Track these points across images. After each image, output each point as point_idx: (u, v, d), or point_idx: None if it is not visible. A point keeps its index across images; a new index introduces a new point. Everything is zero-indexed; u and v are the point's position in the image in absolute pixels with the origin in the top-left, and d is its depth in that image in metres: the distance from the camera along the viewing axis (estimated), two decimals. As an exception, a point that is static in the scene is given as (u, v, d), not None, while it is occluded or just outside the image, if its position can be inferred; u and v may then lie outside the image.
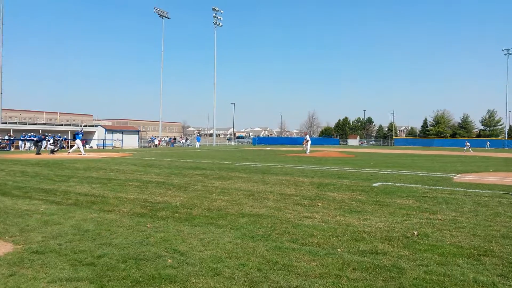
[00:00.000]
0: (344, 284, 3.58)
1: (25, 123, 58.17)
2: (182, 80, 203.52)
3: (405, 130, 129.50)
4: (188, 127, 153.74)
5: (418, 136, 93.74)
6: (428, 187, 10.31)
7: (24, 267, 3.93)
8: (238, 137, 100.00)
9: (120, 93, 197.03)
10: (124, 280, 3.63)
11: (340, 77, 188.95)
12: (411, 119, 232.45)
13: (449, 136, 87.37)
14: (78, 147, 26.36)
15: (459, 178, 12.85)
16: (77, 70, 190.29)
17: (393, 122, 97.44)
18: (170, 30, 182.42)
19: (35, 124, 55.08)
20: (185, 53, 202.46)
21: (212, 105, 66.54)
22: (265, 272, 3.89)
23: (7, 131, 37.30)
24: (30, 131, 39.62)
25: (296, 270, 3.94)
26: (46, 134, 28.90)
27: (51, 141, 33.36)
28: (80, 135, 27.33)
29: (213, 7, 63.49)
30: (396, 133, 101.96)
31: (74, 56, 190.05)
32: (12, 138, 35.80)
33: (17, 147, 35.48)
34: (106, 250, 4.52)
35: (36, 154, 25.82)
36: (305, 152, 30.33)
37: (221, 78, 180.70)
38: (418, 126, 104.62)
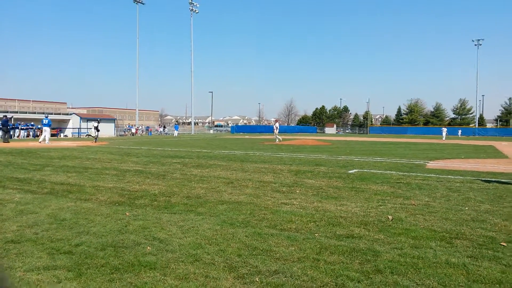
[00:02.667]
0: (321, 267, 3.67)
1: (-5, 111, 56.05)
2: (159, 68, 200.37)
3: (380, 119, 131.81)
4: (166, 115, 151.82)
5: (392, 124, 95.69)
6: (402, 173, 10.60)
7: (-1, 257, 3.86)
8: (216, 126, 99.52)
9: (95, 81, 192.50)
10: (103, 268, 3.62)
11: (317, 66, 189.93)
12: (386, 107, 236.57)
13: (422, 125, 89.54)
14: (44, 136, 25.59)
15: (431, 164, 13.25)
16: (50, 57, 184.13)
17: (368, 111, 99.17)
18: (145, 16, 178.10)
19: (7, 112, 53.21)
20: (161, 40, 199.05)
21: (190, 93, 65.81)
22: (245, 257, 3.95)
23: (-25, 119, 35.90)
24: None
25: (275, 255, 4.02)
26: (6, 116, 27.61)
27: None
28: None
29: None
30: (371, 121, 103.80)
31: (47, 42, 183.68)
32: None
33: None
34: (84, 239, 4.48)
35: (3, 142, 25.01)
36: (275, 141, 30.12)
37: (199, 66, 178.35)
38: (392, 114, 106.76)
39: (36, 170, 10.51)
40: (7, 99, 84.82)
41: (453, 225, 5.18)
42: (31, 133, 38.87)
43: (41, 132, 38.04)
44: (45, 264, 3.69)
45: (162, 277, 3.43)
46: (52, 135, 39.70)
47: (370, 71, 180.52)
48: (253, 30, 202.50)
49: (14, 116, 30.66)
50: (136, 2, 59.61)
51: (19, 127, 32.60)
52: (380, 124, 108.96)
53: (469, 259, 3.90)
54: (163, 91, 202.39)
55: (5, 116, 28.45)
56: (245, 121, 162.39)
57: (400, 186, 8.37)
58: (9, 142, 24.82)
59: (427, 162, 13.98)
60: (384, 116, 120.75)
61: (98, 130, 29.34)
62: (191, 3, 63.11)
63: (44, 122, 26.05)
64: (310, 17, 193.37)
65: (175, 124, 70.15)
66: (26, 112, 49.23)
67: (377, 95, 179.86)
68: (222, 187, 8.10)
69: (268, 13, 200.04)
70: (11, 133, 27.18)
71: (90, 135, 27.16)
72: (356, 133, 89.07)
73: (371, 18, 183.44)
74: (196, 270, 3.59)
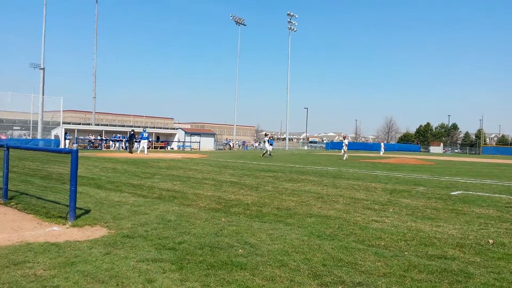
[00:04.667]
0: (407, 284, 3.64)
1: (115, 125, 63.73)
2: (257, 84, 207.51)
3: (496, 138, 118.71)
4: (262, 131, 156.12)
5: (510, 145, 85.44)
6: (514, 197, 9.59)
7: (117, 248, 4.55)
8: (311, 142, 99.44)
9: (199, 97, 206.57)
10: (201, 264, 4.05)
11: (421, 81, 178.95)
12: (502, 125, 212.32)
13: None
14: (142, 147, 28.14)
15: (553, 190, 11.69)
16: (161, 75, 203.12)
17: (481, 129, 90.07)
18: (245, 35, 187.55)
19: (123, 126, 60.15)
20: (259, 58, 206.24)
21: (285, 110, 67.12)
22: (329, 267, 4.07)
23: (99, 132, 41.24)
24: (120, 132, 43.34)
25: (360, 268, 4.07)
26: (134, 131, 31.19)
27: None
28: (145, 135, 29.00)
29: (288, 12, 64.19)
30: (484, 140, 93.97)
31: (157, 61, 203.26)
32: (104, 139, 39.51)
33: (108, 147, 39.08)
34: (186, 238, 5.03)
35: (129, 152, 28.10)
36: (342, 158, 29.03)
37: (294, 82, 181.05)
38: (511, 133, 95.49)
39: (147, 178, 11.81)
40: (123, 114, 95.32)
41: None
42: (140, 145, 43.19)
43: (152, 144, 42.10)
44: (153, 257, 4.26)
45: (251, 277, 3.73)
46: (160, 147, 43.72)
47: (484, 85, 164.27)
48: (350, 45, 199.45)
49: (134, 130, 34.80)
50: (238, 23, 63.17)
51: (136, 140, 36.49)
52: (496, 144, 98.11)
53: None
54: (260, 107, 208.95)
55: (133, 130, 32.14)
56: (340, 138, 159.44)
57: (509, 211, 7.63)
58: (132, 153, 27.88)
59: (548, 187, 12.37)
60: (500, 135, 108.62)
61: (134, 141, 30.04)
62: (289, 22, 64.80)
63: (143, 136, 28.82)
64: (413, 28, 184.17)
65: (270, 139, 71.76)
66: (139, 127, 54.81)
67: (493, 112, 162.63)
68: (312, 201, 8.25)
69: (363, 28, 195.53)
70: (135, 145, 30.24)
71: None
72: (466, 153, 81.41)
73: (486, 27, 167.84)
74: (282, 274, 3.83)
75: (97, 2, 47.75)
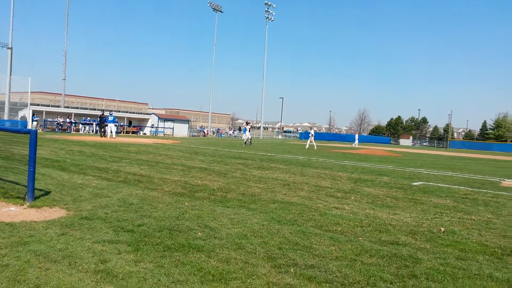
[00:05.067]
0: (357, 267, 3.78)
1: (86, 108, 62.08)
2: (233, 72, 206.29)
3: (463, 133, 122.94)
4: (237, 119, 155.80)
5: (476, 140, 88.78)
6: (471, 189, 10.02)
7: (74, 229, 4.50)
8: (285, 131, 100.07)
9: (174, 84, 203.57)
10: (157, 246, 4.07)
11: (394, 75, 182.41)
12: (470, 121, 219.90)
13: (510, 141, 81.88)
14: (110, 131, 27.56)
15: (508, 183, 12.28)
16: (134, 59, 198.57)
17: (449, 124, 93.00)
18: (222, 22, 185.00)
19: (94, 109, 58.68)
20: (236, 46, 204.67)
21: (261, 99, 67.12)
22: (285, 250, 4.17)
23: (69, 114, 40.11)
24: (90, 115, 42.29)
25: (314, 252, 4.19)
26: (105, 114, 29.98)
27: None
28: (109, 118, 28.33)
29: (266, 1, 63.75)
30: (452, 135, 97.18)
31: (132, 45, 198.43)
32: (73, 122, 38.48)
33: (78, 130, 38.12)
34: (146, 221, 5.02)
35: (100, 136, 27.39)
36: (306, 147, 29.68)
37: (271, 72, 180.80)
38: (477, 129, 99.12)
39: (114, 162, 11.63)
40: (95, 98, 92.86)
41: (510, 242, 4.92)
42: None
43: (123, 129, 41.30)
44: (110, 238, 4.24)
45: (207, 259, 3.78)
46: (132, 132, 42.99)
47: (453, 80, 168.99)
48: (326, 37, 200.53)
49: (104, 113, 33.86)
50: (215, 10, 62.31)
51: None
52: (463, 139, 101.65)
53: (517, 275, 3.74)
54: (236, 96, 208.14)
55: (103, 113, 31.23)
56: (315, 129, 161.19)
57: (465, 201, 7.98)
58: (102, 137, 27.18)
59: (504, 180, 12.98)
60: (467, 130, 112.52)
61: (102, 124, 28.96)
62: (267, 11, 64.46)
63: (108, 119, 28.20)
64: (387, 23, 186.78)
65: (244, 128, 71.78)
66: (111, 111, 53.61)
67: (461, 107, 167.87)
68: (278, 188, 8.37)
69: (340, 20, 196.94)
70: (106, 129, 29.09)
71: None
72: (434, 146, 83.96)
73: (456, 25, 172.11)
74: (237, 256, 3.90)
75: (69, -21, 45.98)
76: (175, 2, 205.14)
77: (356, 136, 50.20)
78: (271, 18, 65.11)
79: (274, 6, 65.19)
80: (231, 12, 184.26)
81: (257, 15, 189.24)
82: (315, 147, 30.06)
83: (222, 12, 63.29)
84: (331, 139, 73.03)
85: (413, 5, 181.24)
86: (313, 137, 31.95)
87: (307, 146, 30.26)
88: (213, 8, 61.93)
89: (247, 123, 34.98)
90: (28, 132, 5.60)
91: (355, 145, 45.04)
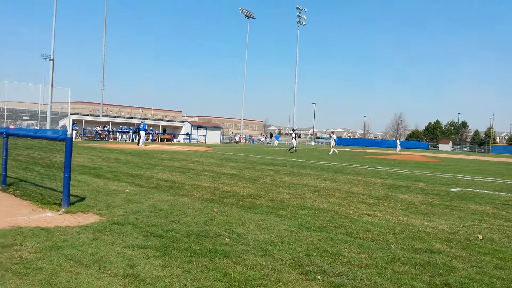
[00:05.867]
0: (387, 275, 3.65)
1: (123, 117, 64.18)
2: (265, 79, 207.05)
3: (506, 137, 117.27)
4: (270, 125, 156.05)
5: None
6: (513, 195, 9.50)
7: (106, 234, 4.62)
8: (318, 137, 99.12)
9: (208, 91, 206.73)
10: (185, 251, 4.10)
11: (431, 78, 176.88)
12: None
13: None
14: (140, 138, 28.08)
15: (555, 189, 11.55)
16: (169, 68, 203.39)
17: (491, 127, 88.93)
18: (254, 28, 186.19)
19: (131, 118, 60.59)
20: (268, 52, 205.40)
21: (293, 105, 66.91)
22: (313, 257, 4.10)
23: (106, 123, 41.58)
24: (126, 124, 43.66)
25: (343, 259, 4.09)
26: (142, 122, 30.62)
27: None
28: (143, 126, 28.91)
29: (297, 6, 63.81)
30: (494, 139, 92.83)
31: (166, 54, 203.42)
32: (110, 130, 39.84)
33: (115, 138, 39.40)
34: (175, 226, 5.08)
35: (137, 145, 28.10)
36: (329, 153, 28.83)
37: (303, 77, 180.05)
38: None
39: (148, 169, 11.90)
40: (132, 106, 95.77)
41: (556, 252, 4.60)
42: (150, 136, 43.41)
43: (158, 136, 42.30)
44: (139, 243, 4.32)
45: (233, 264, 3.77)
46: (166, 140, 43.95)
47: (495, 83, 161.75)
48: (358, 41, 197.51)
49: (136, 122, 34.68)
50: (247, 17, 62.97)
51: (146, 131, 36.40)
52: (506, 143, 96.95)
53: (562, 287, 3.49)
54: (268, 102, 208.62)
55: (143, 122, 32.04)
56: (349, 134, 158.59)
57: (506, 208, 7.57)
58: (139, 145, 27.81)
59: (551, 186, 12.22)
60: (511, 134, 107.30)
61: (139, 133, 29.15)
62: (298, 15, 64.45)
63: (140, 127, 28.85)
64: (422, 26, 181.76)
65: (277, 134, 71.77)
66: (147, 119, 55.09)
67: (504, 110, 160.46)
68: (307, 194, 8.26)
69: (373, 23, 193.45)
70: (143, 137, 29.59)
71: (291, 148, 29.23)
72: (475, 151, 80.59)
73: (498, 25, 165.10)
74: (264, 263, 3.86)
75: (106, -6, 47.88)
76: (207, 10, 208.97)
77: (398, 141, 48.39)
78: (302, 23, 65.04)
79: (305, 10, 65.29)
80: (263, 18, 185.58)
81: (289, 20, 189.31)
82: (336, 152, 29.47)
83: (254, 18, 63.93)
84: (365, 145, 71.64)
85: (449, 5, 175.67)
86: (334, 142, 31.38)
87: (331, 152, 29.58)
88: (245, 15, 62.64)
89: (293, 131, 35.12)
90: (64, 139, 5.82)
91: (398, 151, 43.39)
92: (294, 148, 30.50)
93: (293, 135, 32.57)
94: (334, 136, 33.35)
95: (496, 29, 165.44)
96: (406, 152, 45.62)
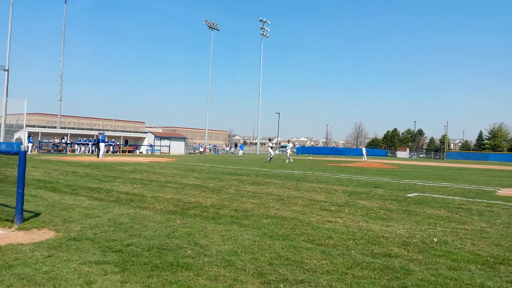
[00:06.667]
0: (348, 280, 3.73)
1: (82, 129, 62.07)
2: (230, 89, 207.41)
3: (460, 144, 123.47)
4: (234, 135, 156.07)
5: (472, 150, 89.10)
6: (466, 199, 10.00)
7: (61, 251, 4.43)
8: (282, 146, 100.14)
9: (171, 102, 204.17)
10: (145, 265, 4.01)
11: (388, 88, 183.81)
12: (466, 132, 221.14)
13: (507, 151, 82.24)
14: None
15: (503, 192, 12.27)
16: (131, 78, 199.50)
17: (445, 135, 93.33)
18: (218, 39, 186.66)
19: (91, 129, 58.69)
20: (232, 63, 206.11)
21: (257, 114, 67.42)
22: (275, 266, 4.12)
23: (64, 135, 40.06)
24: (87, 136, 42.25)
25: (305, 266, 4.13)
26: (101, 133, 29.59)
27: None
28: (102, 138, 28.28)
29: (261, 18, 64.63)
30: (448, 146, 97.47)
31: (128, 64, 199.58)
32: (68, 142, 38.39)
33: (73, 150, 37.99)
34: (135, 240, 4.95)
35: (97, 157, 27.21)
36: (285, 162, 29.51)
37: (267, 87, 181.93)
38: (473, 139, 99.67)
39: (108, 181, 11.56)
40: (92, 118, 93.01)
41: (503, 251, 4.88)
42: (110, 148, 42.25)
43: (119, 148, 41.20)
44: (97, 259, 4.17)
45: (195, 277, 3.72)
46: (128, 151, 42.90)
47: (449, 91, 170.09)
48: (320, 50, 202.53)
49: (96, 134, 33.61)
50: (211, 28, 63.02)
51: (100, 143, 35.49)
52: (459, 149, 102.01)
53: (509, 284, 3.70)
54: (232, 112, 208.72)
55: (99, 133, 30.95)
56: (312, 143, 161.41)
57: (459, 212, 7.95)
58: (98, 157, 26.91)
59: (499, 189, 12.98)
60: (464, 140, 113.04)
61: (98, 145, 28.40)
62: (262, 28, 65.23)
63: (99, 138, 28.16)
64: (381, 35, 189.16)
65: (241, 144, 71.90)
66: (108, 130, 53.69)
67: (457, 118, 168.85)
68: (271, 203, 8.31)
69: (332, 33, 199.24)
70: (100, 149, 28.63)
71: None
72: (431, 157, 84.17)
73: (447, 34, 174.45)
74: (226, 273, 3.84)
75: (65, 2, 46.60)
76: (171, 19, 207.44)
77: (364, 150, 48.38)
78: (266, 35, 65.83)
79: (269, 22, 66.02)
80: (227, 29, 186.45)
81: (253, 32, 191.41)
82: (291, 161, 30.04)
83: (218, 30, 64.09)
84: (328, 153, 73.11)
85: (403, 12, 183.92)
86: (291, 150, 32.40)
87: (287, 161, 29.98)
88: (209, 26, 62.65)
89: (269, 140, 35.13)
90: (17, 152, 5.56)
91: (364, 159, 43.46)
92: (271, 157, 30.65)
93: (270, 144, 32.45)
94: (290, 145, 34.00)
95: (447, 37, 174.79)
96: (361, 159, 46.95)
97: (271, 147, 31.99)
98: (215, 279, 3.69)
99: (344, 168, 24.43)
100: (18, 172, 5.52)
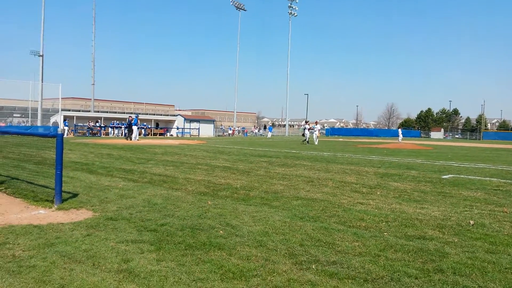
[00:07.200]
0: (381, 263, 3.69)
1: (115, 112, 63.69)
2: (257, 71, 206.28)
3: (497, 123, 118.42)
4: (263, 117, 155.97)
5: (511, 130, 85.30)
6: (504, 180, 9.62)
7: (99, 230, 4.60)
8: (311, 129, 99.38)
9: (200, 85, 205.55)
10: (179, 244, 4.11)
11: (422, 66, 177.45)
12: (504, 111, 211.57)
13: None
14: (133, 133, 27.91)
15: (545, 173, 11.72)
16: (161, 62, 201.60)
17: (482, 114, 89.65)
18: (245, 21, 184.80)
19: (123, 112, 60.13)
20: (260, 44, 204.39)
21: (286, 96, 66.87)
22: (307, 247, 4.12)
23: (98, 119, 41.26)
24: (119, 119, 43.34)
25: (337, 248, 4.12)
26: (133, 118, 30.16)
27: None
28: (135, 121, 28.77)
29: (289, -4, 63.39)
30: (485, 126, 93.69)
31: (157, 48, 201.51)
32: (102, 126, 39.55)
33: (107, 134, 39.14)
34: (169, 220, 5.08)
35: (126, 139, 27.99)
36: (305, 142, 28.66)
37: (295, 68, 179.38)
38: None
39: (141, 163, 11.86)
40: (124, 101, 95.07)
41: (546, 235, 4.68)
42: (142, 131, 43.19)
43: (151, 131, 42.10)
44: (133, 238, 4.31)
45: (227, 256, 3.78)
46: (159, 134, 43.76)
47: (486, 70, 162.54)
48: (350, 31, 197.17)
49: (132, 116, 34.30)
50: (238, 9, 62.50)
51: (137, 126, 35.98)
52: (497, 129, 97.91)
53: (552, 269, 3.55)
54: (261, 94, 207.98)
55: (130, 116, 31.70)
56: (342, 124, 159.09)
57: (497, 193, 7.67)
58: (131, 140, 27.63)
59: (540, 171, 12.40)
60: (502, 120, 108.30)
61: (131, 129, 28.89)
62: (290, 7, 64.09)
63: (132, 122, 28.65)
64: (412, 16, 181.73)
65: (270, 126, 71.81)
66: (139, 113, 54.77)
67: (494, 97, 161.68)
68: (301, 185, 8.29)
69: (364, 13, 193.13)
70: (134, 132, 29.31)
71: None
72: (467, 138, 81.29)
73: (487, 13, 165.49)
74: (258, 253, 3.88)
75: (94, -13, 47.27)
76: (197, 4, 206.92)
77: (400, 130, 47.22)
78: (294, 14, 64.71)
79: (297, 1, 64.74)
80: (255, 9, 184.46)
81: (281, 11, 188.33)
82: (316, 143, 29.36)
83: (245, 10, 63.49)
84: (358, 135, 71.93)
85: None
86: (317, 131, 31.38)
87: (316, 141, 29.44)
88: (236, 6, 62.14)
89: (306, 122, 34.48)
90: (55, 135, 5.77)
91: (400, 139, 42.64)
92: (307, 140, 29.66)
93: (307, 126, 31.36)
94: (318, 126, 33.02)
95: (484, 18, 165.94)
96: (396, 140, 45.87)
97: (308, 129, 30.83)
98: (247, 259, 3.73)
99: (376, 149, 23.99)
100: (56, 154, 5.73)
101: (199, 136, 44.90)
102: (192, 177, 9.13)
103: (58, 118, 36.58)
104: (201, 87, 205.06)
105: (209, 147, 22.05)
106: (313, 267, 3.57)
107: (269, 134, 55.11)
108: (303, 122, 40.49)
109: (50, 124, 37.33)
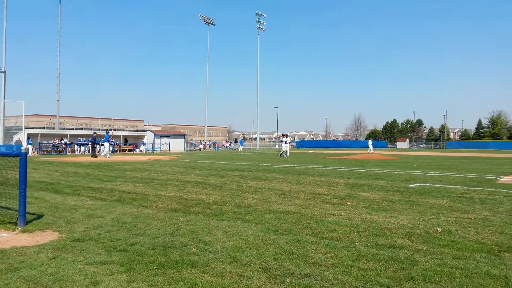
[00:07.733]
0: (353, 273, 3.73)
1: (81, 129, 62.03)
2: (228, 84, 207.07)
3: (459, 132, 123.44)
4: (234, 131, 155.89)
5: (472, 139, 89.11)
6: (467, 188, 10.01)
7: (66, 252, 4.43)
8: (281, 141, 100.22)
9: (170, 100, 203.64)
10: (151, 264, 4.01)
11: (387, 78, 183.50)
12: (465, 121, 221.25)
13: (506, 138, 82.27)
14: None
15: (504, 179, 12.29)
16: (129, 76, 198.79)
17: (445, 124, 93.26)
18: (215, 34, 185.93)
19: (90, 129, 58.63)
20: (229, 58, 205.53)
21: (256, 109, 67.27)
22: (281, 260, 4.12)
23: (64, 136, 40.01)
24: (86, 136, 42.18)
25: (310, 260, 4.14)
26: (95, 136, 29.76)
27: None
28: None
29: (257, 11, 64.37)
30: (448, 135, 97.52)
31: (124, 62, 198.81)
32: (68, 143, 38.35)
33: (73, 151, 37.97)
34: (139, 239, 4.96)
35: (91, 156, 27.35)
36: (284, 155, 28.69)
37: (265, 82, 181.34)
38: (472, 128, 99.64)
39: (109, 181, 11.56)
40: (91, 117, 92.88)
41: (508, 239, 4.89)
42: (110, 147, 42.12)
43: (119, 147, 41.19)
44: (102, 259, 4.17)
45: (201, 274, 3.72)
46: (128, 150, 42.88)
47: (447, 81, 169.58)
48: (320, 44, 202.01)
49: (96, 133, 33.42)
50: (207, 23, 62.78)
51: (99, 143, 35.44)
52: (459, 138, 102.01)
53: (514, 272, 3.70)
54: (231, 108, 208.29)
55: (95, 133, 31.07)
56: (311, 136, 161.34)
57: (461, 201, 7.96)
58: (96, 157, 27.02)
59: (500, 177, 12.99)
60: (463, 129, 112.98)
61: (96, 145, 29.06)
62: (258, 21, 64.98)
63: (95, 139, 28.34)
64: (378, 26, 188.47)
65: (241, 139, 71.90)
66: (107, 129, 53.56)
67: (456, 107, 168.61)
68: (273, 198, 8.32)
69: (329, 26, 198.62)
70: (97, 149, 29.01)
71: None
72: (431, 148, 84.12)
73: (445, 24, 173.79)
74: (232, 270, 3.84)
75: (60, 2, 46.36)
76: (167, 14, 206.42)
77: (370, 141, 47.92)
78: (262, 28, 65.63)
79: (265, 16, 65.84)
80: (224, 23, 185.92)
81: (250, 26, 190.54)
82: (287, 155, 29.34)
83: (214, 25, 63.87)
84: (328, 146, 73.10)
85: (400, 2, 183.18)
86: (289, 144, 31.81)
87: (281, 154, 29.43)
88: (205, 21, 62.42)
89: (283, 135, 34.35)
90: (18, 154, 5.55)
91: (370, 151, 42.97)
92: (285, 153, 29.14)
93: (284, 139, 30.99)
94: (288, 139, 33.18)
95: (449, 24, 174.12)
96: (365, 151, 46.93)
97: (285, 142, 30.37)
98: (221, 275, 3.69)
99: (345, 160, 24.43)
100: (19, 174, 5.51)
101: (170, 151, 44.32)
102: (163, 193, 8.98)
103: (22, 136, 35.22)
104: (170, 102, 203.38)
105: (180, 162, 21.78)
106: (287, 280, 3.56)
107: (240, 148, 55.13)
108: (282, 135, 40.59)
109: (13, 142, 35.84)
